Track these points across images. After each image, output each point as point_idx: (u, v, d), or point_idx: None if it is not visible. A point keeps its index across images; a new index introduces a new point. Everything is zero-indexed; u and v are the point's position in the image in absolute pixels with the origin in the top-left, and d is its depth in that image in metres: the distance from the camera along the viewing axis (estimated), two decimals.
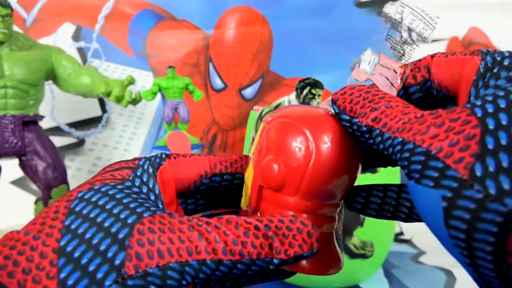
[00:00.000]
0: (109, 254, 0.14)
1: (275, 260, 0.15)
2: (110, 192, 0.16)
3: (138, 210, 0.15)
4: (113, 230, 0.15)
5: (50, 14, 0.80)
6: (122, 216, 0.15)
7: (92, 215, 0.15)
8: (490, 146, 0.12)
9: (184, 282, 0.15)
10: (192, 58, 0.82)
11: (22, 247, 0.14)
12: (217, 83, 0.82)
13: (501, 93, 0.14)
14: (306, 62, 0.81)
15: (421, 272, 0.67)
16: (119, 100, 0.61)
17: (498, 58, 0.16)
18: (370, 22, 0.80)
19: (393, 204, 0.20)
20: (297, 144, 0.18)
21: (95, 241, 0.14)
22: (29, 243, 0.14)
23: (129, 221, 0.15)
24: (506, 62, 0.15)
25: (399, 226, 0.79)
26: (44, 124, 0.66)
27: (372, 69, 0.21)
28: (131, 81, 0.63)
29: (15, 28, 0.62)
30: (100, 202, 0.16)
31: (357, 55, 0.80)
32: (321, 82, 0.56)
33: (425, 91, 0.20)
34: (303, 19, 0.80)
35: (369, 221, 0.56)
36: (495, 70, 0.15)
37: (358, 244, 0.57)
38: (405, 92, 0.21)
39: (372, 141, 0.17)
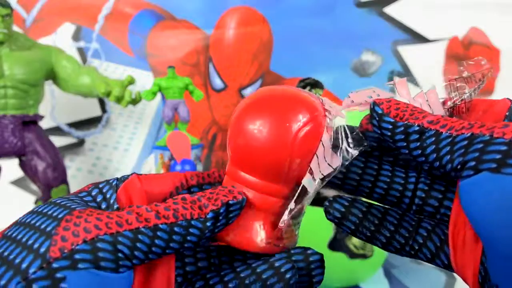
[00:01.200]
0: (35, 245, 0.14)
1: (208, 215, 0.16)
2: (58, 201, 0.16)
3: (73, 207, 0.16)
4: (43, 226, 0.15)
5: (50, 14, 0.80)
6: (55, 214, 0.15)
7: (28, 220, 0.15)
8: None
9: (120, 255, 0.14)
10: (192, 58, 0.82)
11: None
12: (217, 83, 0.82)
13: None
14: (306, 62, 0.81)
15: (421, 272, 0.67)
16: (119, 100, 0.61)
17: None
18: (370, 22, 0.80)
19: (375, 223, 0.20)
20: (233, 116, 0.19)
21: (24, 238, 0.14)
22: None
23: (60, 216, 0.15)
24: None
25: None
26: (44, 124, 0.66)
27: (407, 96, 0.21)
28: (131, 81, 0.63)
29: (15, 28, 0.62)
30: (41, 209, 0.16)
31: (357, 55, 0.80)
32: (321, 82, 0.56)
33: None
34: (303, 19, 0.80)
35: None
36: None
37: (358, 244, 0.57)
38: None
39: (417, 144, 0.17)
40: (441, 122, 0.16)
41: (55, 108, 0.80)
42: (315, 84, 0.55)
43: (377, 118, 0.18)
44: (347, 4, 0.79)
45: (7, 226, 0.16)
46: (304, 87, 0.55)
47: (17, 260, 0.14)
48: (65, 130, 0.81)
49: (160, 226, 0.15)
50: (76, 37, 0.81)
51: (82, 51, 0.81)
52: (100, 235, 0.14)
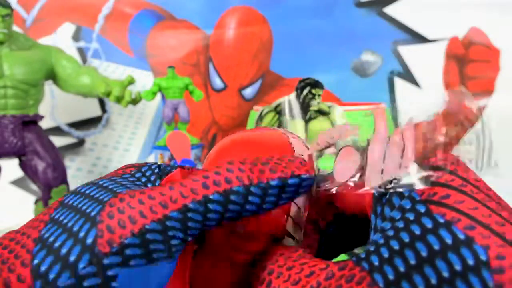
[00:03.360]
0: (81, 234, 0.13)
1: (271, 182, 0.14)
2: (101, 182, 0.15)
3: (119, 190, 0.14)
4: (88, 210, 0.13)
5: (50, 14, 0.80)
6: (101, 197, 0.14)
7: (75, 203, 0.14)
8: None
9: (173, 242, 0.13)
10: (192, 58, 0.82)
11: (8, 242, 0.14)
12: (217, 83, 0.82)
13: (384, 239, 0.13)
14: (306, 62, 0.81)
15: None
16: (119, 100, 0.61)
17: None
18: (370, 22, 0.80)
19: None
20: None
21: (70, 223, 0.13)
22: (16, 238, 0.14)
23: (105, 199, 0.14)
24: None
25: None
26: (44, 124, 0.66)
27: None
28: (131, 81, 0.63)
29: (15, 28, 0.62)
30: (88, 191, 0.15)
31: (357, 55, 0.80)
32: (321, 82, 0.56)
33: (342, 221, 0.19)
34: (303, 19, 0.80)
35: None
36: (387, 197, 0.14)
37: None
38: (329, 235, 0.19)
39: None
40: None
41: (55, 108, 0.80)
42: (315, 84, 0.55)
43: None
44: (347, 4, 0.79)
45: (53, 204, 0.15)
46: (304, 87, 0.55)
47: (64, 250, 0.12)
48: (65, 130, 0.81)
49: (211, 196, 0.13)
50: (76, 37, 0.81)
51: (82, 51, 0.81)
52: (147, 224, 0.13)
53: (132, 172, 0.17)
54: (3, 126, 0.57)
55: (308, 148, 0.19)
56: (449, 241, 0.11)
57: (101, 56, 0.81)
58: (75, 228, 0.13)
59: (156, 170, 0.17)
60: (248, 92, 0.83)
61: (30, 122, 0.60)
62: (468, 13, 0.78)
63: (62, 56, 0.64)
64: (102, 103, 0.82)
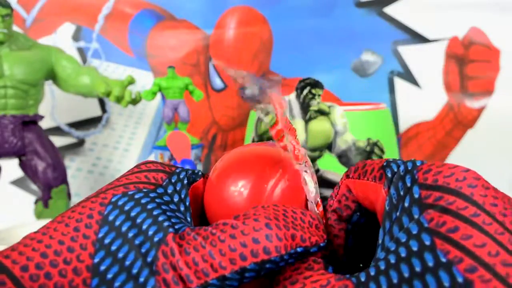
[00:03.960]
0: (141, 279, 0.13)
1: (298, 249, 0.15)
2: (143, 201, 0.16)
3: (165, 224, 0.15)
4: (143, 250, 0.14)
5: (50, 14, 0.80)
6: (150, 233, 0.14)
7: (124, 229, 0.15)
8: None
9: None
10: (192, 58, 0.82)
11: (54, 257, 0.14)
12: (217, 83, 0.82)
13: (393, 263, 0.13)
14: (306, 62, 0.81)
15: None
16: (119, 100, 0.61)
17: (402, 192, 0.15)
18: (370, 22, 0.80)
19: None
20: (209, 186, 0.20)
21: (127, 262, 0.14)
22: (63, 253, 0.14)
23: (155, 239, 0.14)
24: (406, 203, 0.14)
25: None
26: (44, 124, 0.66)
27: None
28: (131, 81, 0.62)
29: (15, 28, 0.62)
30: (132, 214, 0.15)
31: (357, 55, 0.80)
32: (321, 82, 0.56)
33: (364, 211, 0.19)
34: (303, 19, 0.80)
35: None
36: (397, 214, 0.14)
37: None
38: (354, 223, 0.19)
39: None
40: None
41: (55, 108, 0.80)
42: (315, 84, 0.55)
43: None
44: (347, 4, 0.79)
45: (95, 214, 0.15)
46: (304, 87, 0.55)
47: None
48: (65, 130, 0.81)
49: (248, 267, 0.14)
50: (76, 37, 0.81)
51: (82, 51, 0.81)
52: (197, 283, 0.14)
53: (164, 184, 0.17)
54: (3, 126, 0.57)
55: (298, 159, 0.18)
56: (447, 284, 0.11)
57: (101, 56, 0.81)
58: (134, 271, 0.14)
59: (185, 181, 0.18)
60: (249, 92, 0.83)
61: (30, 122, 0.60)
62: (468, 13, 0.78)
63: (62, 56, 0.64)
64: (102, 103, 0.82)
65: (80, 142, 0.82)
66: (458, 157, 0.80)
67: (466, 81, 0.79)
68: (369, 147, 0.50)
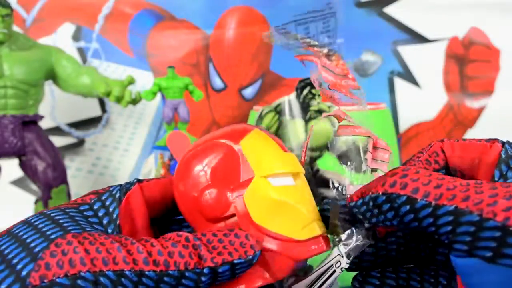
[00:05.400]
0: (19, 266, 0.13)
1: (204, 270, 0.14)
2: (53, 215, 0.16)
3: (69, 228, 0.15)
4: (32, 244, 0.14)
5: (50, 14, 0.80)
6: (48, 232, 0.14)
7: (20, 233, 0.15)
8: None
9: None
10: (192, 58, 0.82)
11: None
12: (217, 83, 0.82)
13: None
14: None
15: None
16: (119, 100, 0.61)
17: None
18: (370, 22, 0.80)
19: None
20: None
21: (10, 255, 0.14)
22: None
23: (52, 236, 0.14)
24: None
25: None
26: (44, 124, 0.66)
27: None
28: (131, 81, 0.63)
29: (15, 28, 0.62)
30: (37, 223, 0.15)
31: (357, 55, 0.80)
32: None
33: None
34: None
35: None
36: None
37: None
38: None
39: (393, 212, 0.15)
40: (409, 184, 0.14)
41: (55, 108, 0.80)
42: None
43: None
44: (347, 4, 0.79)
45: (2, 231, 0.16)
46: (304, 87, 0.55)
47: None
48: (65, 130, 0.81)
49: (147, 273, 0.14)
50: (76, 37, 0.81)
51: (82, 51, 0.81)
52: (82, 271, 0.13)
53: (91, 202, 0.17)
54: (3, 126, 0.57)
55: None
56: None
57: (101, 56, 0.81)
58: (14, 261, 0.14)
59: (118, 195, 0.17)
60: (248, 92, 0.83)
61: (30, 122, 0.60)
62: (468, 13, 0.78)
63: (62, 56, 0.64)
64: (102, 103, 0.82)
65: (80, 142, 0.82)
66: None
67: (466, 81, 0.79)
68: None
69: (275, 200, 0.17)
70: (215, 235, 0.16)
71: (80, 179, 0.81)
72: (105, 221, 0.17)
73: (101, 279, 0.13)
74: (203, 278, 0.14)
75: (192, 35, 0.81)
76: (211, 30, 0.81)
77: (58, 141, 0.75)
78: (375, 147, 0.20)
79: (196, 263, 0.14)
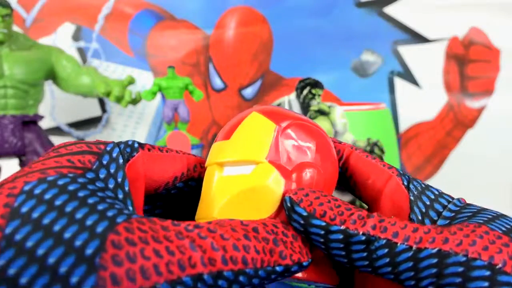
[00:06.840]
0: (73, 279, 0.10)
1: (277, 268, 0.13)
2: (70, 188, 0.12)
3: (109, 214, 0.12)
4: (78, 243, 0.10)
5: (50, 14, 0.80)
6: (88, 222, 0.11)
7: (46, 221, 0.11)
8: None
9: None
10: (192, 58, 0.82)
11: None
12: (217, 83, 0.82)
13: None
14: (306, 62, 0.81)
15: None
16: (119, 100, 0.61)
17: (419, 187, 0.16)
18: (370, 22, 0.80)
19: None
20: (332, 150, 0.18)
21: (52, 259, 0.10)
22: None
23: (99, 229, 0.11)
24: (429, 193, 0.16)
25: None
26: (44, 124, 0.66)
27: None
28: (131, 81, 0.63)
29: (15, 28, 0.62)
30: (57, 202, 0.11)
31: (357, 55, 0.80)
32: (321, 82, 0.56)
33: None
34: (303, 19, 0.80)
35: None
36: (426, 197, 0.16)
37: None
38: None
39: (363, 254, 0.14)
40: (389, 229, 0.13)
41: (55, 108, 0.80)
42: (315, 84, 0.55)
43: (302, 222, 0.14)
44: (347, 4, 0.80)
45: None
46: (304, 87, 0.55)
47: None
48: (65, 130, 0.81)
49: (225, 273, 0.12)
50: (76, 37, 0.81)
51: (82, 51, 0.81)
52: (159, 283, 0.11)
53: (94, 167, 0.14)
54: (3, 126, 0.57)
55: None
56: None
57: (101, 56, 0.81)
58: (63, 269, 0.10)
59: (120, 161, 0.15)
60: (248, 92, 0.83)
61: (30, 122, 0.60)
62: (468, 13, 0.78)
63: (62, 56, 0.64)
64: (102, 103, 0.82)
65: None
66: (458, 157, 0.80)
67: (466, 81, 0.79)
68: (369, 147, 0.50)
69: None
70: (276, 226, 0.14)
71: None
72: (120, 195, 0.14)
73: (178, 287, 0.11)
74: (272, 276, 0.13)
75: (192, 35, 0.81)
76: (211, 30, 0.81)
77: (58, 141, 0.75)
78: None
79: (269, 260, 0.13)
